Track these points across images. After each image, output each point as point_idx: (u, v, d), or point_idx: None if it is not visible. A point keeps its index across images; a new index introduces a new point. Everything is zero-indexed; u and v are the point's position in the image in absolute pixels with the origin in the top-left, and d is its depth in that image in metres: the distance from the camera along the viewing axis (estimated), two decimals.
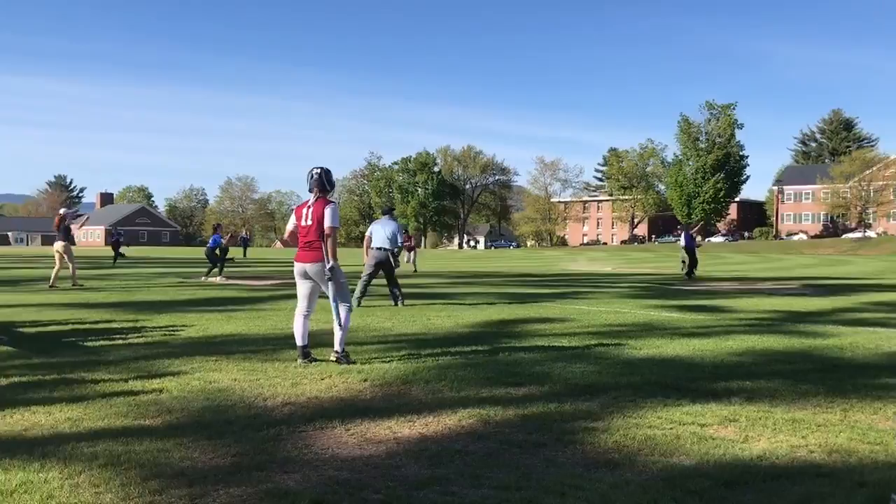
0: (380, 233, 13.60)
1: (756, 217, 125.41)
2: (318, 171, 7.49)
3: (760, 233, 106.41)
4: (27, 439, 4.73)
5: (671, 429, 5.08)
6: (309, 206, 7.43)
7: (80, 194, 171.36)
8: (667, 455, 4.51)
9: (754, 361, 7.90)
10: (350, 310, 7.52)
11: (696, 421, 5.30)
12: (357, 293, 12.94)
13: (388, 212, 14.17)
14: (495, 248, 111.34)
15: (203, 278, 22.02)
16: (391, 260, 13.50)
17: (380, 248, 13.50)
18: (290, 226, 7.68)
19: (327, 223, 7.31)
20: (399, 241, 13.72)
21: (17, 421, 5.18)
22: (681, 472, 4.19)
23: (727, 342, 9.26)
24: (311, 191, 7.47)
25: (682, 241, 25.57)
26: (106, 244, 36.35)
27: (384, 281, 14.08)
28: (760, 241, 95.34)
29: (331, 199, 7.52)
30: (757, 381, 6.74)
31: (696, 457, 4.48)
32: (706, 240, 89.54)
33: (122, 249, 38.43)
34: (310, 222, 7.38)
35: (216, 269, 22.26)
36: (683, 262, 25.26)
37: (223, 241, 22.89)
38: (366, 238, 13.71)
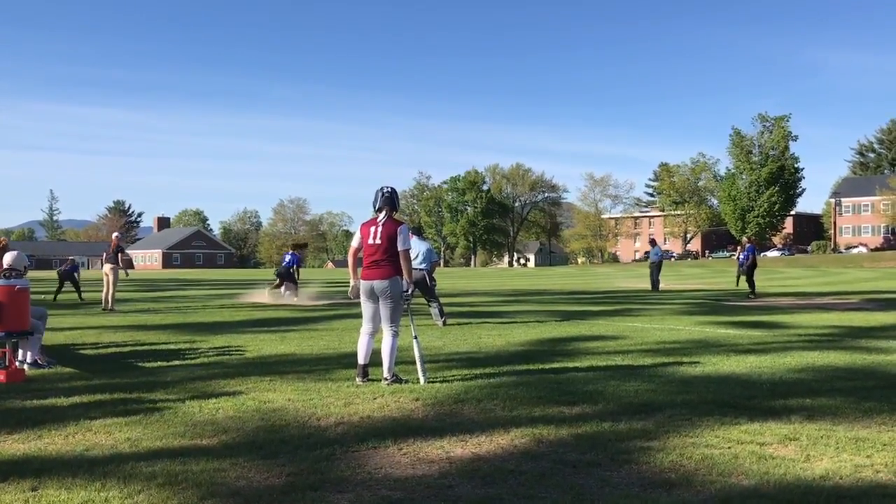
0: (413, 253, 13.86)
1: (813, 230, 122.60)
2: (389, 190, 7.59)
3: (818, 246, 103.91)
4: (88, 459, 4.83)
5: (729, 448, 4.97)
6: (378, 225, 7.46)
7: (139, 219, 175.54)
8: (725, 475, 4.41)
9: (814, 378, 7.69)
10: (397, 335, 7.54)
11: (755, 440, 5.17)
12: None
13: (417, 232, 14.30)
14: (667, 259, 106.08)
15: (283, 296, 21.88)
16: (426, 279, 13.67)
17: (415, 269, 13.70)
18: (354, 243, 7.69)
19: (402, 245, 7.38)
20: (432, 259, 13.99)
21: (79, 441, 5.30)
22: (740, 493, 4.09)
23: (785, 359, 9.04)
24: (379, 210, 7.52)
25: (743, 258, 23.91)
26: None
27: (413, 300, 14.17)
28: (818, 255, 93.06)
29: (399, 219, 7.59)
30: (818, 399, 6.56)
31: (755, 477, 4.37)
32: (762, 254, 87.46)
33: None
34: (379, 241, 7.40)
35: (289, 287, 22.15)
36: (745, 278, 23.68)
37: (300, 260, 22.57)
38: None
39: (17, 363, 8.12)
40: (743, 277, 23.94)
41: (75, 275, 24.05)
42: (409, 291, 7.52)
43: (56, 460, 4.79)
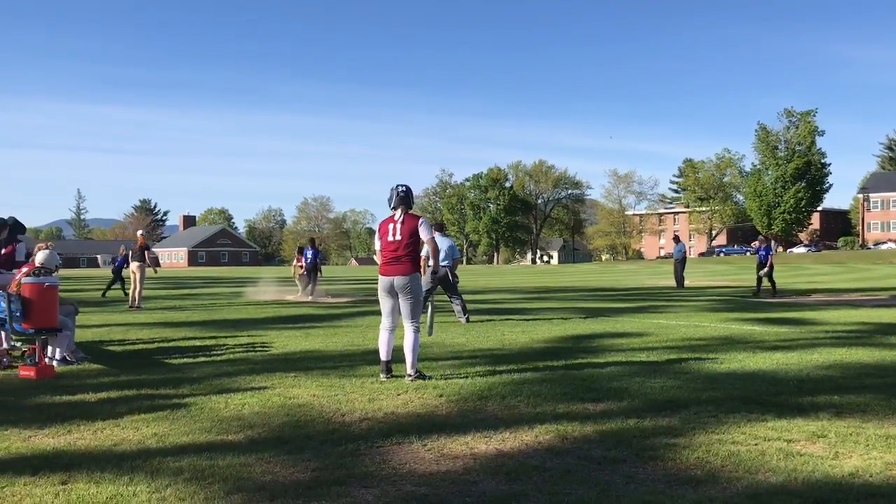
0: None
1: (840, 226, 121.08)
2: (404, 188, 7.66)
3: (845, 242, 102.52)
4: (116, 454, 4.89)
5: (756, 445, 4.93)
6: (397, 222, 7.55)
7: (164, 217, 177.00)
8: (752, 472, 4.37)
9: (842, 375, 7.61)
10: (418, 330, 7.58)
11: (782, 437, 5.13)
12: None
13: (440, 228, 14.29)
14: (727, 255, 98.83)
15: (300, 296, 22.16)
16: (449, 275, 13.67)
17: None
18: (377, 245, 7.80)
19: (426, 235, 7.52)
20: (455, 255, 13.98)
21: (107, 436, 5.37)
22: (767, 490, 4.05)
23: (813, 355, 8.95)
24: (394, 208, 7.60)
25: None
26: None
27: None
28: (845, 251, 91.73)
29: (416, 214, 7.70)
30: (846, 396, 6.49)
31: (782, 474, 4.33)
32: (787, 250, 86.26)
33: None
34: (399, 237, 7.50)
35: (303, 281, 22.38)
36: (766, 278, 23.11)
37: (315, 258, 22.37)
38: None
39: (46, 360, 8.24)
40: (764, 278, 23.03)
41: (124, 268, 23.98)
42: (435, 271, 7.59)
43: (85, 455, 4.86)
